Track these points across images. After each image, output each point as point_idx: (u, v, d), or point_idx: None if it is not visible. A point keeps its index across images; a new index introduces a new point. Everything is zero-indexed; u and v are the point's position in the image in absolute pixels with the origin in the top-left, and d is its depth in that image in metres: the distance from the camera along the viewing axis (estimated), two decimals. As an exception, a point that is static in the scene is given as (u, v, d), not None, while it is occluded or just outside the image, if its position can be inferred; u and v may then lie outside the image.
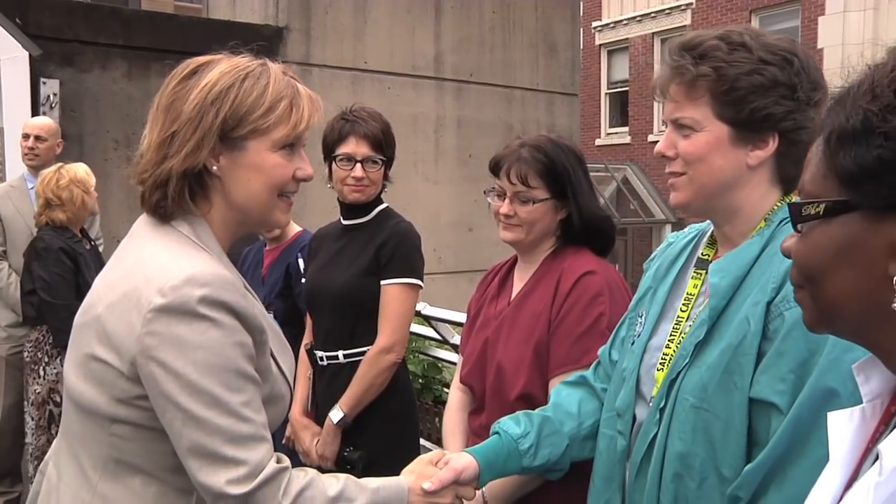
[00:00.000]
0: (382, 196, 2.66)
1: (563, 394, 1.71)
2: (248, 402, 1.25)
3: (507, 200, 1.95)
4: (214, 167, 1.31)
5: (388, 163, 2.58)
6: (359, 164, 2.49)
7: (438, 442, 2.60)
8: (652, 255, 1.66)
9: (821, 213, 0.79)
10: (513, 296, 2.03)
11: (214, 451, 1.21)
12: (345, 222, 2.65)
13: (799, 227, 0.83)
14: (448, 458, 1.56)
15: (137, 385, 1.24)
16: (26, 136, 4.45)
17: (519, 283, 2.04)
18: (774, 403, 1.21)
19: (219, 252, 1.35)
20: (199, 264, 1.27)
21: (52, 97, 6.10)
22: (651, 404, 1.42)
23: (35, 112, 5.70)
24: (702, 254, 1.49)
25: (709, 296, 1.37)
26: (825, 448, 1.08)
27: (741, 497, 1.23)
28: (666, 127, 1.43)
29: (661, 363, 1.43)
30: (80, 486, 1.32)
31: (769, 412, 1.23)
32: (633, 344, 1.54)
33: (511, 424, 1.64)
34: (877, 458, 0.75)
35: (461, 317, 2.70)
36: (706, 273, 1.42)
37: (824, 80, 1.36)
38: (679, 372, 1.36)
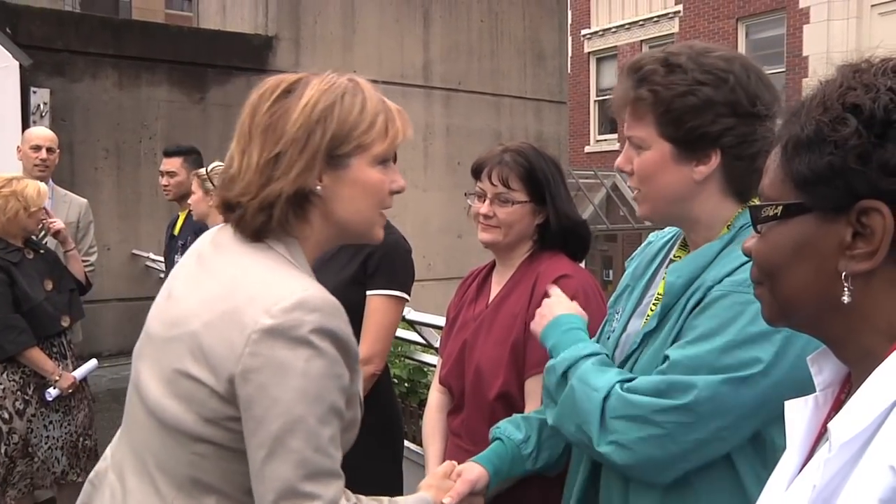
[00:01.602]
0: None
1: None
2: (333, 438, 1.23)
3: (486, 202, 2.02)
4: (318, 186, 1.30)
5: None
6: None
7: (416, 440, 2.64)
8: (632, 255, 1.73)
9: (778, 214, 0.85)
10: (490, 299, 2.09)
11: (294, 485, 1.19)
12: None
13: (759, 227, 0.89)
14: (459, 469, 1.62)
15: (230, 406, 1.22)
16: (37, 148, 4.39)
17: (497, 286, 2.10)
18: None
19: (310, 273, 1.33)
20: (308, 287, 1.24)
21: (42, 106, 6.13)
22: None
23: (26, 122, 5.74)
24: (674, 255, 1.57)
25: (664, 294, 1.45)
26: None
27: None
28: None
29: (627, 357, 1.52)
30: (151, 502, 1.29)
31: None
32: (608, 339, 1.62)
33: (512, 429, 1.69)
34: (828, 438, 0.81)
35: (444, 321, 2.77)
36: None
37: (768, 92, 1.42)
38: (629, 359, 1.46)
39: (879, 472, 0.71)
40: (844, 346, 0.85)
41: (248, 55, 7.04)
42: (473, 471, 1.60)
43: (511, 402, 1.92)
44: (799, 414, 0.91)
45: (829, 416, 0.89)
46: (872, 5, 13.82)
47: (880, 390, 0.76)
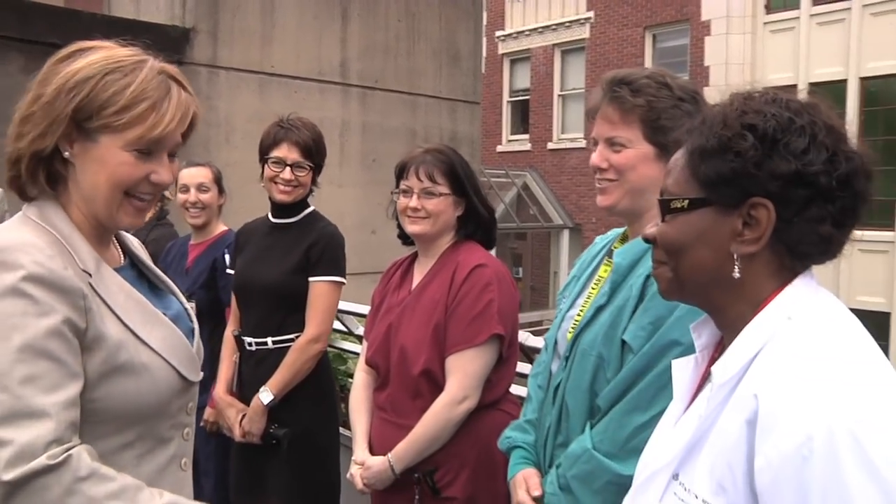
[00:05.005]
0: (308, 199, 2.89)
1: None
2: (31, 377, 1.15)
3: (415, 196, 2.23)
4: (67, 153, 1.29)
5: (316, 169, 2.83)
6: (288, 168, 2.74)
7: (345, 424, 2.82)
8: (581, 255, 1.99)
9: (685, 207, 1.08)
10: (413, 286, 2.29)
11: None
12: (274, 220, 2.86)
13: (665, 217, 1.11)
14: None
15: None
16: None
17: (419, 275, 2.31)
18: (631, 346, 1.59)
19: (68, 232, 1.30)
20: (5, 236, 1.24)
21: (-57, 90, 5.95)
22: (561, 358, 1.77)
23: (-71, 106, 5.57)
24: (613, 246, 1.84)
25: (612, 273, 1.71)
26: (660, 378, 1.50)
27: (601, 407, 1.63)
28: (591, 143, 1.76)
29: (572, 327, 1.78)
30: None
31: (630, 351, 1.60)
32: (556, 317, 1.89)
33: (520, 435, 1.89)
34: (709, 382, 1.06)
35: (366, 309, 2.95)
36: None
37: None
38: (582, 330, 1.71)
39: (746, 399, 0.96)
40: (723, 314, 1.09)
41: (164, 46, 6.84)
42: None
43: (433, 378, 2.14)
44: (683, 371, 1.17)
45: (706, 372, 1.14)
46: (765, 23, 14.66)
47: (747, 344, 1.01)
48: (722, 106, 1.08)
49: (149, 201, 1.37)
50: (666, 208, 1.10)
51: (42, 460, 1.12)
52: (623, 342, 1.61)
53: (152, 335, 1.34)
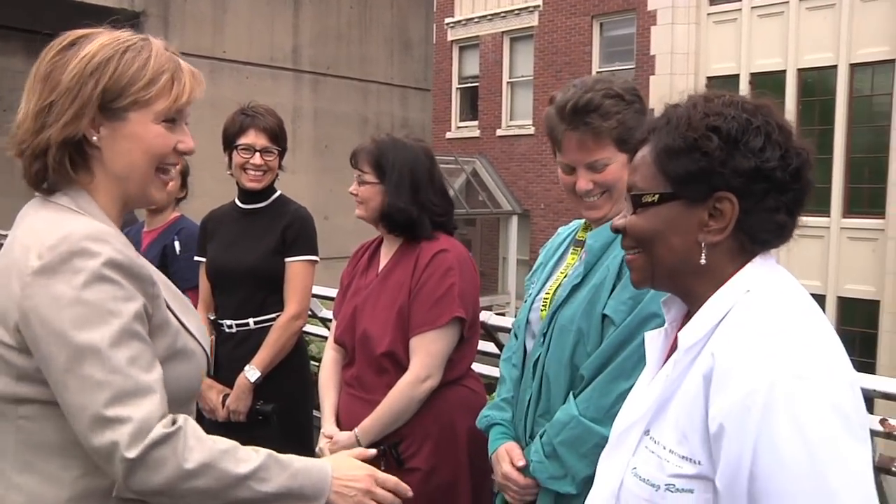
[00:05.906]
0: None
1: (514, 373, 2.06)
2: (133, 359, 1.19)
3: (355, 182, 2.39)
4: (94, 137, 1.30)
5: (281, 153, 2.92)
6: (258, 154, 2.82)
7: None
8: (545, 244, 2.12)
9: (656, 200, 1.19)
10: (380, 269, 2.41)
11: (99, 412, 1.16)
12: (243, 206, 2.93)
13: (637, 210, 1.22)
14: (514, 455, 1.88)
15: (29, 356, 1.21)
16: None
17: (385, 258, 2.43)
18: (613, 319, 1.73)
19: (102, 219, 1.31)
20: (75, 225, 1.25)
21: None
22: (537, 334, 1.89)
23: None
24: (578, 236, 1.98)
25: (585, 255, 1.85)
26: (641, 348, 1.61)
27: (585, 376, 1.76)
28: (565, 169, 1.86)
29: (542, 306, 1.91)
30: None
31: (611, 324, 1.74)
32: (525, 301, 2.01)
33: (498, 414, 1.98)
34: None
35: (330, 292, 3.05)
36: (582, 249, 1.90)
37: None
38: (558, 308, 1.84)
39: (706, 358, 1.11)
40: (690, 294, 1.22)
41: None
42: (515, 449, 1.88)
43: (397, 359, 2.26)
44: (654, 341, 1.32)
45: (674, 342, 1.27)
46: (708, 14, 15.02)
47: (710, 314, 1.15)
48: (684, 108, 1.20)
49: (170, 174, 1.42)
50: (637, 202, 1.21)
51: (159, 429, 1.18)
52: (603, 317, 1.75)
53: (190, 323, 1.42)
